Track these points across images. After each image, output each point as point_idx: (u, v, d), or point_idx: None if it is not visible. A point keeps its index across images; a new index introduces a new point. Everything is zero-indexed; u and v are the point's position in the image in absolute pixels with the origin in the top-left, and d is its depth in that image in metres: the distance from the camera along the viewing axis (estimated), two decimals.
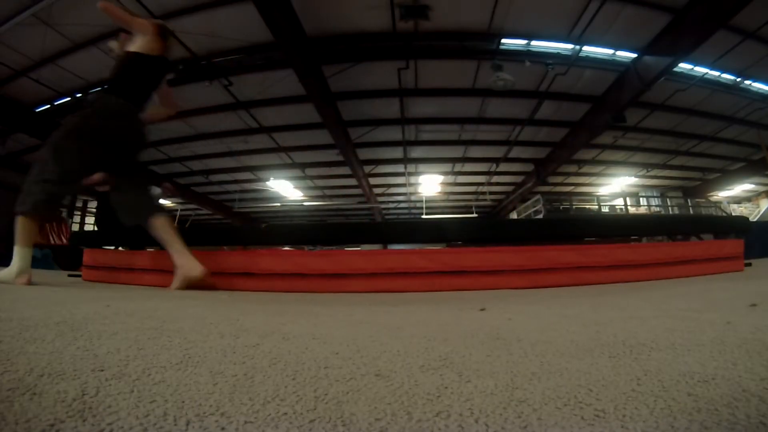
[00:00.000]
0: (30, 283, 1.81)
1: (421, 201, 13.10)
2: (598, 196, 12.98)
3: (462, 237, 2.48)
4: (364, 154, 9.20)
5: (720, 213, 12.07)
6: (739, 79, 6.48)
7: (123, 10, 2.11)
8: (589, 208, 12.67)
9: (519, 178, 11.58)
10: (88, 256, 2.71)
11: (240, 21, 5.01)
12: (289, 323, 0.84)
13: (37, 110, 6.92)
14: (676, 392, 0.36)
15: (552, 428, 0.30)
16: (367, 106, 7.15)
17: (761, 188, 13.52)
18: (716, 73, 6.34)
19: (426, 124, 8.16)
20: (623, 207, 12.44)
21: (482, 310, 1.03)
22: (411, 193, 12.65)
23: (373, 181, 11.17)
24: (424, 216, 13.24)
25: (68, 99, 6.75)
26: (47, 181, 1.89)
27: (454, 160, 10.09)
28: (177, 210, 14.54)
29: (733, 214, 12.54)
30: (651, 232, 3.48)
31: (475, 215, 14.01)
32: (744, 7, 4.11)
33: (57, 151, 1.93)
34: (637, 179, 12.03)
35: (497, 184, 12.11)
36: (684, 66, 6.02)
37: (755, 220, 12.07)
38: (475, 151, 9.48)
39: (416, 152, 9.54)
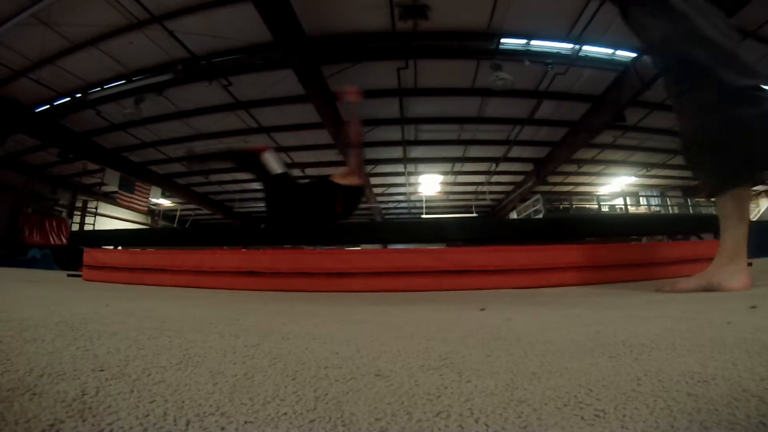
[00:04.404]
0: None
1: (421, 201, 13.10)
2: (597, 196, 12.98)
3: (462, 237, 2.48)
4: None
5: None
6: None
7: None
8: (588, 208, 12.67)
9: (518, 178, 11.58)
10: (88, 255, 2.71)
11: (239, 21, 5.01)
12: (290, 323, 0.84)
13: (37, 110, 6.92)
14: (676, 392, 0.36)
15: (552, 428, 0.30)
16: (366, 105, 7.15)
17: (761, 188, 13.51)
18: None
19: (425, 124, 8.16)
20: (623, 206, 12.44)
21: (482, 310, 1.03)
22: (411, 193, 12.65)
23: (372, 180, 11.17)
24: (423, 216, 13.24)
25: (68, 99, 6.75)
26: None
27: (453, 160, 10.09)
28: (177, 210, 14.53)
29: None
30: (651, 231, 3.48)
31: (474, 215, 14.01)
32: (743, 6, 4.11)
33: None
34: (636, 179, 12.03)
35: (497, 183, 12.11)
36: None
37: (755, 219, 12.07)
38: (475, 151, 9.48)
39: (416, 152, 9.53)
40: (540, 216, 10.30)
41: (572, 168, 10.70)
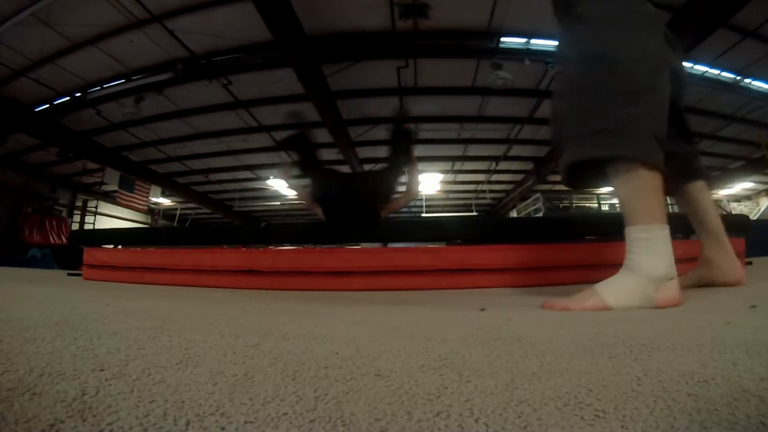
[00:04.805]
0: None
1: (421, 199, 13.09)
2: (598, 195, 12.96)
3: (462, 235, 2.48)
4: (364, 152, 9.19)
5: (720, 211, 12.04)
6: (738, 78, 6.47)
7: None
8: (589, 207, 12.66)
9: (519, 177, 11.57)
10: (88, 255, 2.71)
11: (239, 20, 5.01)
12: (290, 322, 0.84)
13: (37, 110, 6.91)
14: (676, 392, 0.36)
15: (552, 428, 0.30)
16: (366, 104, 7.15)
17: (761, 186, 13.51)
18: (716, 72, 6.33)
19: (425, 123, 8.16)
20: None
21: (482, 310, 1.03)
22: None
23: None
24: (423, 214, 13.24)
25: (67, 98, 6.74)
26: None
27: (453, 159, 10.08)
28: (177, 209, 14.52)
29: (733, 212, 12.53)
30: None
31: (475, 214, 14.01)
32: (744, 5, 4.11)
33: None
34: None
35: (497, 182, 12.11)
36: (683, 64, 6.00)
37: (755, 218, 12.06)
38: (475, 150, 9.48)
39: (416, 151, 9.47)
40: (540, 215, 10.30)
41: None
